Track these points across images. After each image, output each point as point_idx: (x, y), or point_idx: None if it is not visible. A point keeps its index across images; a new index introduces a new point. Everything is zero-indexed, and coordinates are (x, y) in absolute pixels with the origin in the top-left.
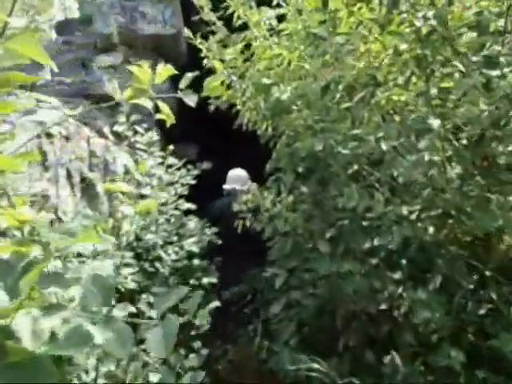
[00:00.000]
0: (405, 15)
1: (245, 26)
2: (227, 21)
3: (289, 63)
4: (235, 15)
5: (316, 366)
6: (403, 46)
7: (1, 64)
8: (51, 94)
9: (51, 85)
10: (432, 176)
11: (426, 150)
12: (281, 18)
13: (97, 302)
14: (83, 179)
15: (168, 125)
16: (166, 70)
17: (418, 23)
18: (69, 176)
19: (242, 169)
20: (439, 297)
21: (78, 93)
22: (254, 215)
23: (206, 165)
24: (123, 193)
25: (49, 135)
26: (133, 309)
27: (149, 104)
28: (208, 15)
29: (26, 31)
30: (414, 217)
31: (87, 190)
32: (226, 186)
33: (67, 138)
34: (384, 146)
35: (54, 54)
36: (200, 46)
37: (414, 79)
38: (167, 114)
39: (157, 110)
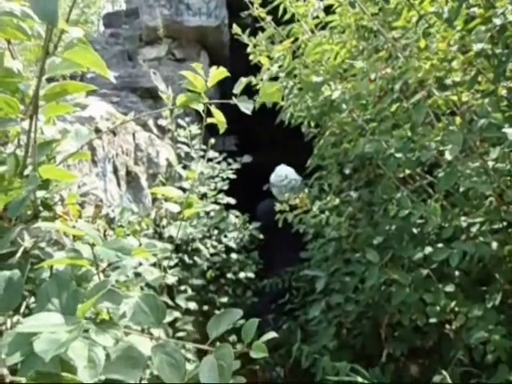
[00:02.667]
0: (475, 9)
1: (290, 20)
2: (272, 14)
3: (339, 59)
4: (281, 8)
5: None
6: (478, 45)
7: (58, 72)
8: (99, 86)
9: (98, 78)
10: (498, 186)
11: (499, 160)
12: (328, 11)
13: (148, 321)
14: (128, 173)
15: (221, 131)
16: (218, 72)
17: (496, 20)
18: (115, 170)
19: (287, 166)
20: (498, 316)
21: (124, 86)
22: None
23: (246, 158)
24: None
25: (98, 130)
26: (177, 314)
27: (201, 108)
28: (257, 10)
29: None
30: (474, 230)
31: (132, 183)
32: (273, 187)
33: (114, 133)
34: (449, 156)
35: (102, 47)
36: (247, 42)
37: (479, 79)
38: (220, 120)
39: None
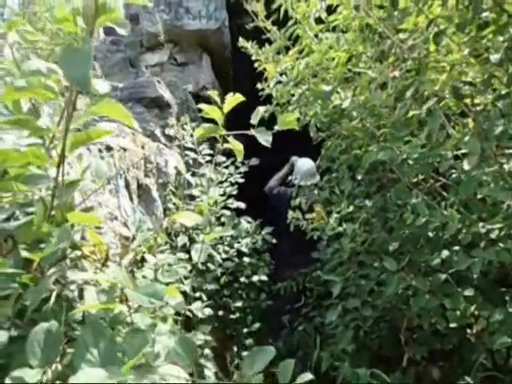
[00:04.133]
0: (486, 14)
1: (294, 21)
2: (273, 14)
3: (345, 66)
4: (282, 9)
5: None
6: (496, 56)
7: (82, 121)
8: None
9: None
10: None
11: None
12: (330, 9)
13: (184, 363)
14: (139, 185)
15: (239, 158)
16: (234, 99)
17: None
18: (127, 185)
19: (309, 159)
20: None
21: (129, 97)
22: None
23: (253, 161)
24: (175, 204)
25: (109, 148)
26: (201, 337)
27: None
28: (263, 23)
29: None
30: (493, 236)
31: (143, 195)
32: (293, 179)
33: (124, 149)
34: (467, 166)
35: (103, 55)
36: (252, 51)
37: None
38: (238, 150)
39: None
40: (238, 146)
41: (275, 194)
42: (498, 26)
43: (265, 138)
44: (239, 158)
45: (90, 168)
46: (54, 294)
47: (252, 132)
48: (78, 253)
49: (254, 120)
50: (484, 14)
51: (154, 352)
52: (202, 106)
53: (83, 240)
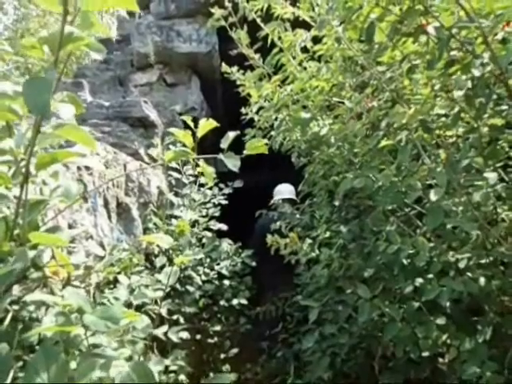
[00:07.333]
0: (455, 52)
1: (280, 48)
2: (261, 41)
3: (325, 95)
4: (269, 39)
5: None
6: (459, 93)
7: (47, 144)
8: (89, 116)
9: (90, 107)
10: (481, 224)
11: (481, 203)
12: (316, 39)
13: None
14: (119, 204)
15: (209, 184)
16: (207, 124)
17: (475, 71)
18: (106, 203)
19: (288, 184)
20: (489, 350)
21: (115, 115)
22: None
23: (237, 183)
24: (156, 224)
25: (88, 167)
26: (168, 362)
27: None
28: (246, 50)
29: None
30: (462, 265)
31: (123, 214)
32: (275, 200)
33: (106, 166)
34: (433, 197)
35: (93, 73)
36: (235, 76)
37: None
38: (209, 175)
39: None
40: (208, 170)
41: (265, 215)
42: (463, 64)
43: (233, 163)
44: (209, 183)
45: (61, 188)
46: (9, 316)
47: (220, 157)
48: (40, 273)
49: (224, 144)
50: (452, 53)
51: (109, 377)
52: (173, 130)
53: (53, 259)
